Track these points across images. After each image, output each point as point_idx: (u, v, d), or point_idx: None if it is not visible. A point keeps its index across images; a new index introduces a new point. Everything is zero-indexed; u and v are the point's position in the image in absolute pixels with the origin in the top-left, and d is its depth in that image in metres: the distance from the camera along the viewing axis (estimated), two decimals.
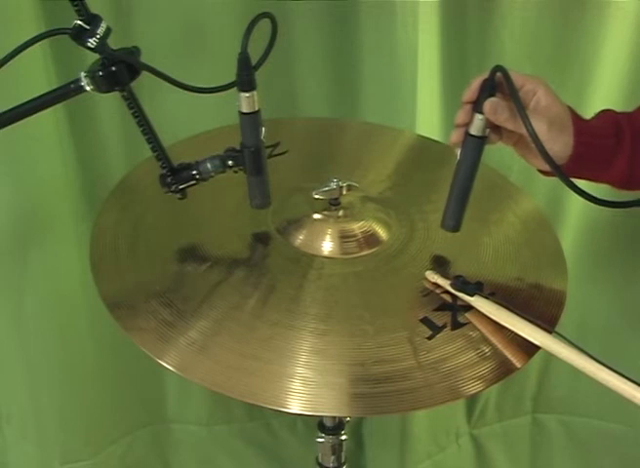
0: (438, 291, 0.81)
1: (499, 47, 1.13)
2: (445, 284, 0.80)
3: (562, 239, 0.98)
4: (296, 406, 0.69)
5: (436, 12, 1.11)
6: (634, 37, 1.12)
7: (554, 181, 0.73)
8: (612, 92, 1.16)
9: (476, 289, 0.79)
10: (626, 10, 1.10)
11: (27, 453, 1.37)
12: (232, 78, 0.79)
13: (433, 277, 0.82)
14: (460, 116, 0.79)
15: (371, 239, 0.89)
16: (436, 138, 1.12)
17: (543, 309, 0.82)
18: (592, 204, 0.74)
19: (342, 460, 1.03)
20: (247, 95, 0.80)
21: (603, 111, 0.83)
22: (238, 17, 1.05)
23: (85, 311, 1.25)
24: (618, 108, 1.10)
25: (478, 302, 0.78)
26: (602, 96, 1.17)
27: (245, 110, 0.81)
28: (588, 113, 0.83)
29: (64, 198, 1.16)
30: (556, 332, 0.75)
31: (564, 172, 0.73)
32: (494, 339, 0.77)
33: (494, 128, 0.79)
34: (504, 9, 1.11)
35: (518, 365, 0.75)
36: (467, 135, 0.79)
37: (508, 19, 1.12)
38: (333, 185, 0.88)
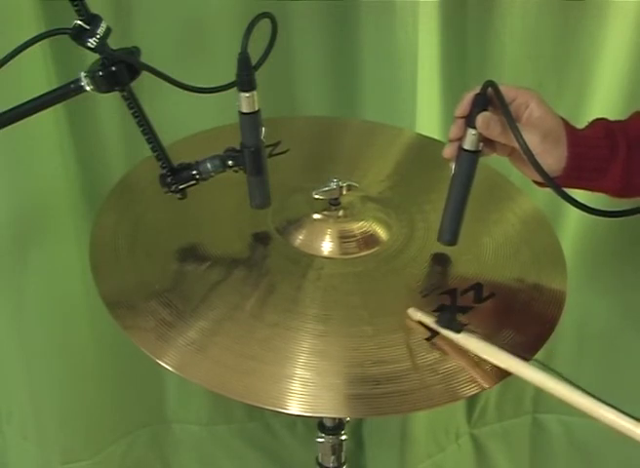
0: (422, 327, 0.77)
1: (499, 47, 1.13)
2: (429, 321, 0.76)
3: (561, 239, 0.98)
4: (295, 407, 0.69)
5: (436, 12, 1.11)
6: (634, 37, 1.12)
7: None
8: (612, 92, 1.16)
9: (463, 325, 0.75)
10: (626, 10, 1.10)
11: (27, 453, 1.37)
12: (232, 78, 0.79)
13: (416, 315, 0.77)
14: (454, 131, 0.80)
15: (371, 239, 0.89)
16: (436, 137, 1.12)
17: (543, 310, 0.82)
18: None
19: (342, 460, 1.03)
20: (247, 95, 0.80)
21: (596, 120, 0.83)
22: (238, 17, 1.05)
23: (85, 311, 1.25)
24: (618, 109, 1.11)
25: (465, 340, 0.74)
26: (602, 96, 1.17)
27: (245, 110, 0.81)
28: (588, 114, 0.83)
29: (64, 198, 1.16)
30: (546, 365, 0.71)
31: (557, 184, 0.73)
32: (493, 341, 0.76)
33: (487, 141, 0.79)
34: (504, 9, 1.11)
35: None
36: (461, 149, 0.79)
37: (508, 19, 1.12)
38: (333, 185, 0.88)
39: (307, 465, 1.08)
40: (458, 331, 0.74)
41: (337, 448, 1.01)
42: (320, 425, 1.00)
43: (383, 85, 1.16)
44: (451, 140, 0.81)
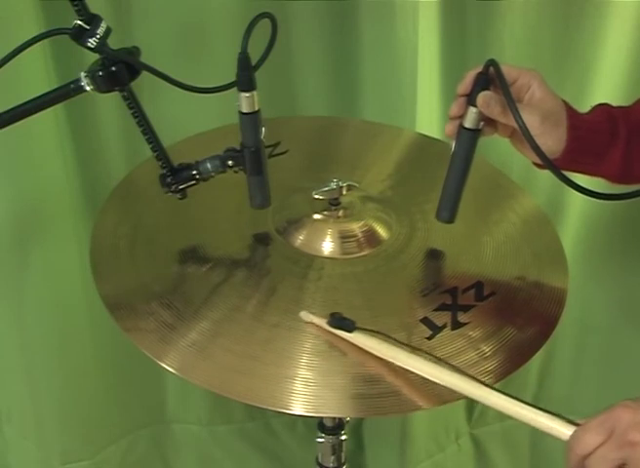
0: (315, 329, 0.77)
1: (499, 47, 1.13)
2: (321, 323, 0.76)
3: (563, 237, 0.98)
4: (297, 407, 0.69)
5: (436, 12, 1.11)
6: (634, 37, 1.12)
7: (554, 179, 0.73)
8: (611, 91, 1.16)
9: (353, 324, 0.74)
10: (626, 10, 1.10)
11: (27, 453, 1.37)
12: (232, 78, 0.79)
13: (308, 317, 0.77)
14: (454, 109, 0.80)
15: (371, 239, 0.89)
16: (436, 137, 1.12)
17: (544, 308, 0.82)
18: (592, 201, 0.75)
19: (342, 460, 1.03)
20: (247, 95, 0.80)
21: (599, 105, 0.83)
22: (238, 17, 1.05)
23: (85, 311, 1.24)
24: None
25: (359, 338, 0.74)
26: (602, 95, 1.17)
27: (245, 110, 0.81)
28: None
29: (64, 198, 1.16)
30: (448, 363, 0.72)
31: (555, 165, 0.74)
32: (494, 339, 0.77)
33: (488, 121, 0.79)
34: (504, 9, 1.11)
35: (517, 365, 0.75)
36: (461, 127, 0.79)
37: (508, 18, 1.12)
38: (333, 185, 0.88)
39: (307, 465, 1.08)
40: (349, 330, 0.74)
41: (337, 448, 1.01)
42: (320, 425, 1.00)
43: (383, 85, 1.16)
44: (451, 118, 0.81)
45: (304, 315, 0.77)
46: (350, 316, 0.77)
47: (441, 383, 0.70)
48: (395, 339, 0.74)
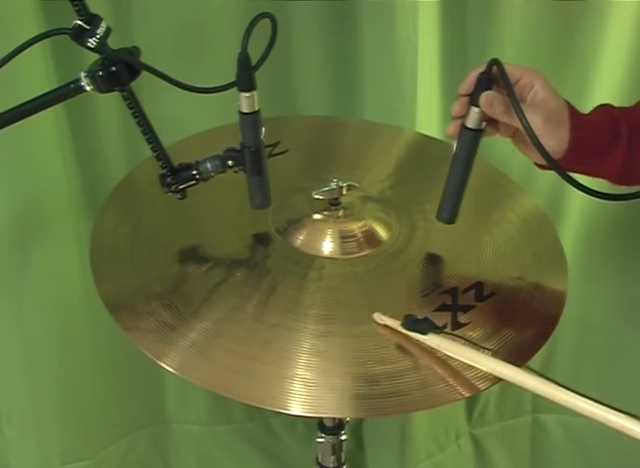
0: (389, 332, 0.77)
1: (499, 47, 1.13)
2: (395, 325, 0.76)
3: (563, 237, 0.98)
4: (296, 407, 0.69)
5: (436, 12, 1.11)
6: (634, 37, 1.12)
7: (554, 179, 0.73)
8: (611, 91, 1.16)
9: (428, 326, 0.74)
10: (626, 10, 1.10)
11: (27, 453, 1.37)
12: (232, 78, 0.79)
13: (381, 318, 0.77)
14: (456, 108, 0.80)
15: (371, 239, 0.89)
16: (436, 137, 1.12)
17: (544, 308, 0.82)
18: (593, 201, 0.75)
19: (342, 460, 1.03)
20: (247, 95, 0.80)
21: (601, 106, 0.83)
22: (238, 17, 1.05)
23: (85, 311, 1.25)
24: None
25: (433, 340, 0.74)
26: (602, 96, 1.17)
27: (245, 110, 0.81)
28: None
29: (64, 198, 1.16)
30: (525, 366, 0.73)
31: (560, 165, 0.73)
32: (494, 340, 0.77)
33: (490, 121, 0.79)
34: (504, 9, 1.11)
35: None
36: (463, 127, 0.79)
37: (508, 18, 1.12)
38: (333, 185, 0.88)
39: (307, 465, 1.08)
40: (424, 332, 0.74)
41: (337, 448, 1.01)
42: (320, 425, 1.00)
43: (383, 85, 1.16)
44: (453, 118, 0.80)
45: (377, 317, 0.76)
46: (350, 316, 0.78)
47: (521, 386, 0.69)
48: (471, 341, 0.74)
